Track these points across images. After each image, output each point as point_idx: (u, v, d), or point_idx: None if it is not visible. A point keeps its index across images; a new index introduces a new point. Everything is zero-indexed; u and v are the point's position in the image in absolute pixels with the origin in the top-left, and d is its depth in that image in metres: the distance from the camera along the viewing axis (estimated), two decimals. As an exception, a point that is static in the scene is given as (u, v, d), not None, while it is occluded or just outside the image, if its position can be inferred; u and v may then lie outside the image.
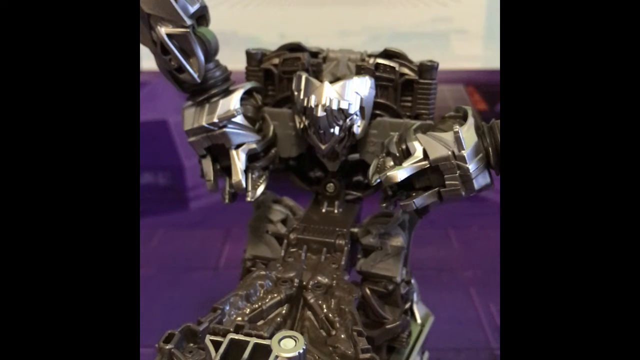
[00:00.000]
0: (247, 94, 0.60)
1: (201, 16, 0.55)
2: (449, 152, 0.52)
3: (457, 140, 0.52)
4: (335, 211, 0.65)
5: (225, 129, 0.56)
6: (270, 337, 0.41)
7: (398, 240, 0.60)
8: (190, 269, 1.03)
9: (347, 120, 0.56)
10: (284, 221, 0.65)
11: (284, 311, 0.53)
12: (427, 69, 0.58)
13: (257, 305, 0.52)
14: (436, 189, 0.53)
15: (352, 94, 0.56)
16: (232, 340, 0.42)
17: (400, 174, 0.53)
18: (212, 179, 0.59)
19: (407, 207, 0.54)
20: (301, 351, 0.40)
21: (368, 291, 0.59)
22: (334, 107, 0.55)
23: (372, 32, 1.26)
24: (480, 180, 0.53)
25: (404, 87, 0.59)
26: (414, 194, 0.54)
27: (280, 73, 0.62)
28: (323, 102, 0.55)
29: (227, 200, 0.60)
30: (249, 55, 0.63)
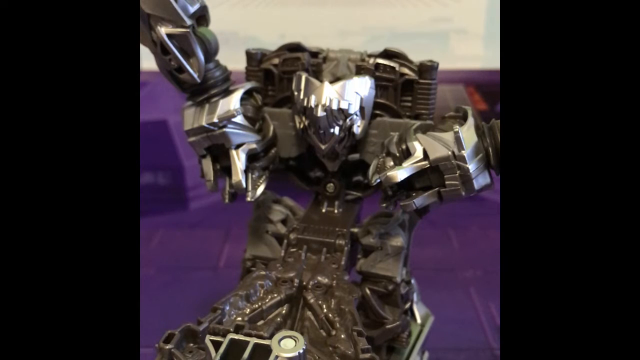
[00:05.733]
0: (247, 94, 0.60)
1: (201, 16, 0.55)
2: (449, 152, 0.52)
3: (457, 140, 0.52)
4: (335, 211, 0.65)
5: (225, 129, 0.56)
6: (270, 337, 0.41)
7: (398, 240, 0.60)
8: (190, 269, 1.03)
9: (347, 120, 0.56)
10: (284, 221, 0.65)
11: (284, 311, 0.53)
12: (427, 69, 0.58)
13: (257, 305, 0.52)
14: (436, 189, 0.53)
15: (352, 94, 0.56)
16: (232, 340, 0.42)
17: (400, 174, 0.53)
18: (212, 179, 0.59)
19: (407, 207, 0.54)
20: (301, 351, 0.40)
21: (368, 291, 0.59)
22: (334, 107, 0.55)
23: (372, 32, 1.26)
24: (480, 180, 0.53)
25: (404, 87, 0.59)
26: (414, 194, 0.54)
27: (280, 73, 0.62)
28: (323, 102, 0.55)
29: (227, 200, 0.60)
30: (249, 55, 0.63)
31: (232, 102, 0.57)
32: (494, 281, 0.96)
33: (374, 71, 0.59)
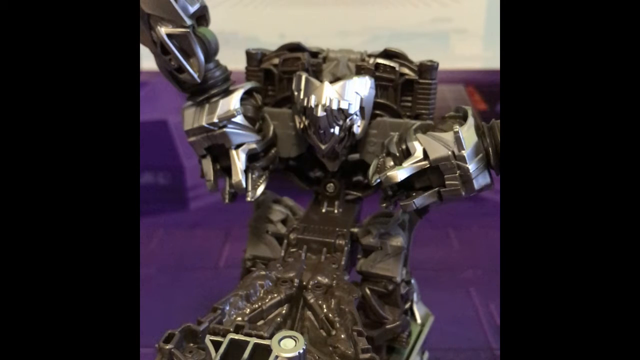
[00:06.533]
0: (247, 94, 0.60)
1: (201, 16, 0.55)
2: (449, 152, 0.52)
3: (457, 140, 0.52)
4: (335, 211, 0.65)
5: (225, 129, 0.56)
6: (270, 337, 0.41)
7: (398, 240, 0.60)
8: (190, 269, 1.03)
9: (347, 120, 0.56)
10: (284, 221, 0.65)
11: (284, 311, 0.53)
12: (427, 69, 0.58)
13: (257, 305, 0.52)
14: (436, 189, 0.53)
15: (352, 94, 0.56)
16: (232, 340, 0.42)
17: (400, 174, 0.53)
18: (212, 179, 0.59)
19: (407, 207, 0.54)
20: (301, 351, 0.40)
21: (368, 291, 0.59)
22: (334, 107, 0.55)
23: (372, 32, 1.26)
24: (480, 180, 0.53)
25: (404, 87, 0.59)
26: (414, 194, 0.54)
27: (280, 73, 0.62)
28: (323, 102, 0.55)
29: (227, 200, 0.60)
30: (249, 55, 0.63)
31: (232, 102, 0.57)
32: (494, 281, 0.96)
33: (374, 71, 0.58)
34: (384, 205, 0.57)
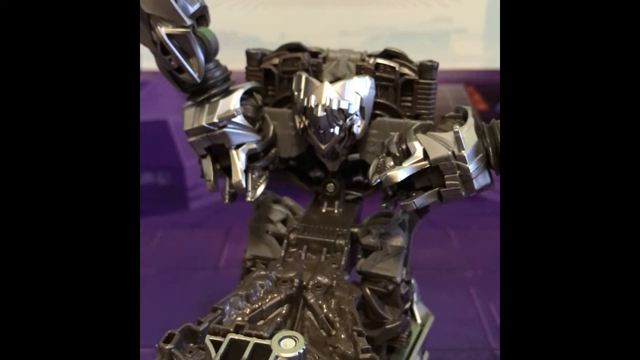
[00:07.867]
0: (247, 94, 0.60)
1: (201, 16, 0.55)
2: (449, 152, 0.52)
3: (457, 140, 0.52)
4: (335, 211, 0.65)
5: (225, 129, 0.56)
6: (270, 337, 0.41)
7: (398, 240, 0.60)
8: (190, 269, 1.03)
9: (347, 120, 0.56)
10: (284, 221, 0.65)
11: (284, 311, 0.53)
12: (427, 69, 0.58)
13: (257, 305, 0.52)
14: (436, 189, 0.53)
15: (352, 94, 0.56)
16: (232, 340, 0.42)
17: (400, 174, 0.53)
18: (212, 179, 0.59)
19: (407, 207, 0.54)
20: (301, 351, 0.40)
21: (368, 291, 0.59)
22: (334, 107, 0.55)
23: (372, 32, 1.26)
24: (481, 180, 0.53)
25: (404, 87, 0.59)
26: (414, 194, 0.54)
27: (280, 73, 0.62)
28: (323, 102, 0.55)
29: (227, 200, 0.60)
30: (249, 55, 0.63)
31: (232, 102, 0.57)
32: (494, 281, 0.96)
33: (374, 71, 0.58)
34: (384, 205, 0.57)
